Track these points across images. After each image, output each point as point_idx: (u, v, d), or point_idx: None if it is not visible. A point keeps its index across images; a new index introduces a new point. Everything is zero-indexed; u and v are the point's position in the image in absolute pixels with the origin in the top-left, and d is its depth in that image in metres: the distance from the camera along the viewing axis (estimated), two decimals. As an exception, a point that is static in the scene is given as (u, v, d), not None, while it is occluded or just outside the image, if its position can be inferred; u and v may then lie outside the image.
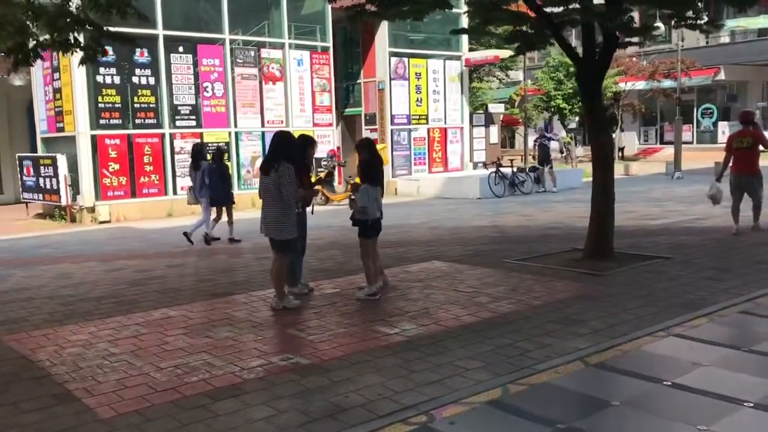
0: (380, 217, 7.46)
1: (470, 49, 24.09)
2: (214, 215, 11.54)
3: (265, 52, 18.02)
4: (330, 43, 19.35)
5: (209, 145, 14.72)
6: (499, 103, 32.00)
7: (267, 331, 6.14)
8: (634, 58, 34.05)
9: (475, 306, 6.77)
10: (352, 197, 7.31)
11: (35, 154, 17.05)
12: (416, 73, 21.42)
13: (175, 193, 16.54)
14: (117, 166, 15.72)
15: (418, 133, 21.66)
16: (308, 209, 7.65)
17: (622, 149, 34.91)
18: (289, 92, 18.38)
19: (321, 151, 18.78)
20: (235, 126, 17.39)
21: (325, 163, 18.42)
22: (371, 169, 7.30)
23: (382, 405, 4.39)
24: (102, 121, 15.54)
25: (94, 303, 7.45)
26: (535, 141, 20.21)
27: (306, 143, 7.52)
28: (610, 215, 8.79)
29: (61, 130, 16.14)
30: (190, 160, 11.85)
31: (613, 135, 33.61)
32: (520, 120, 38.64)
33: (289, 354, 5.46)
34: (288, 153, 6.91)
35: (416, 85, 21.46)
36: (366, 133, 21.45)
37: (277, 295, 6.95)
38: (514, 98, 38.30)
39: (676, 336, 5.63)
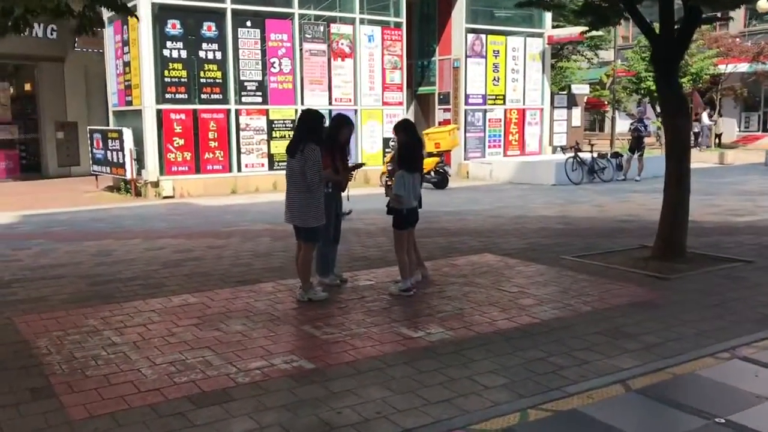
0: (417, 206, 6.87)
1: (555, 26, 22.88)
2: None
3: (334, 28, 17.53)
4: (403, 19, 18.67)
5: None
6: (588, 84, 30.41)
7: (281, 327, 5.68)
8: (737, 39, 31.73)
9: (515, 309, 6.10)
10: (388, 183, 6.74)
11: (103, 128, 17.23)
12: (494, 51, 20.47)
13: (239, 170, 16.38)
14: (182, 142, 15.65)
15: (494, 113, 20.74)
16: (344, 195, 7.12)
17: (719, 136, 32.75)
18: (358, 69, 17.85)
19: (388, 131, 18.28)
20: (302, 103, 17.01)
21: (393, 143, 17.83)
22: (408, 153, 6.70)
23: (377, 426, 3.84)
24: (167, 96, 15.46)
25: (120, 284, 7.19)
26: (631, 125, 18.82)
27: (340, 123, 6.98)
28: (683, 209, 7.87)
29: (130, 104, 16.21)
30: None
31: (711, 121, 31.56)
32: (606, 102, 36.90)
33: (295, 355, 4.97)
34: (315, 133, 6.39)
35: (494, 64, 20.52)
36: (439, 113, 20.76)
37: (302, 287, 6.48)
38: (605, 80, 36.57)
39: (742, 359, 4.82)
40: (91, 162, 17.40)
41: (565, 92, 24.76)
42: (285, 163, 6.64)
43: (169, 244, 9.53)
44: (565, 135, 22.56)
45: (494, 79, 20.59)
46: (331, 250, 7.10)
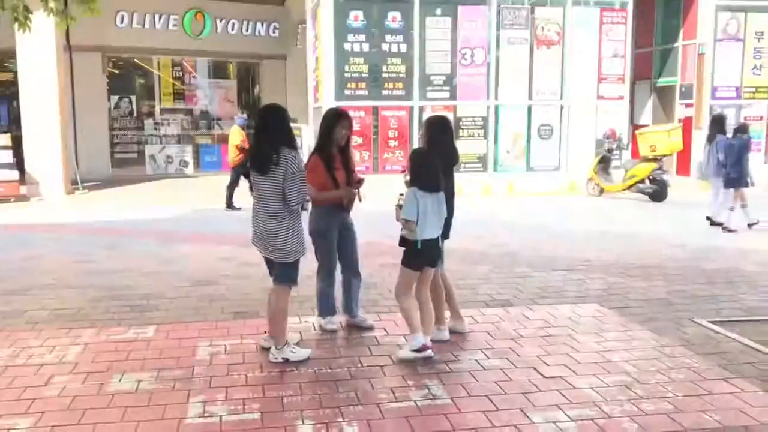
0: (439, 239, 4.88)
1: None
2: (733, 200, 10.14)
3: (540, 12, 15.24)
4: (630, -2, 15.67)
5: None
6: None
7: (172, 394, 4.22)
8: None
9: (505, 415, 3.92)
10: (399, 203, 4.88)
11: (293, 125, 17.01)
12: (756, 32, 16.39)
13: (423, 171, 14.98)
14: (360, 140, 14.73)
15: (752, 110, 16.63)
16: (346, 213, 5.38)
17: None
18: (566, 59, 15.34)
19: (603, 130, 15.53)
20: (496, 99, 15.08)
21: (607, 144, 15.08)
22: (425, 163, 4.76)
23: None
24: (347, 92, 14.62)
25: (118, 302, 6.29)
26: None
27: (331, 118, 5.29)
28: None
29: (317, 100, 15.74)
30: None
31: None
32: None
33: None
34: (287, 135, 4.77)
35: (754, 48, 16.43)
36: (680, 109, 17.24)
37: (275, 342, 4.80)
38: None
39: None
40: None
41: None
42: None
43: (246, 255, 8.51)
44: None
45: (754, 68, 16.50)
46: (348, 287, 5.46)
